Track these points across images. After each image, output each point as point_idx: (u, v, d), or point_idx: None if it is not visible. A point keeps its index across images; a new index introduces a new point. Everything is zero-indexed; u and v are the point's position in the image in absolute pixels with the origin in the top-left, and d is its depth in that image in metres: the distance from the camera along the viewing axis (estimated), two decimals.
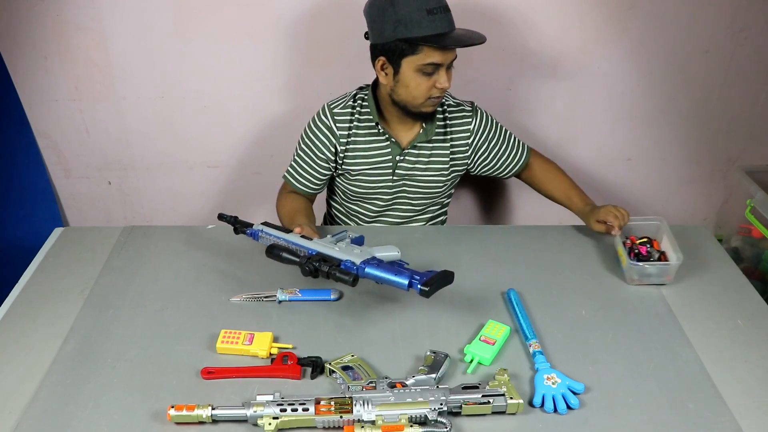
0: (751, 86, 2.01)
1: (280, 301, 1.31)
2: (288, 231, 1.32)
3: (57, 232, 1.55)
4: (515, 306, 1.27)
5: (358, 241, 1.34)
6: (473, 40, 1.35)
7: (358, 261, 1.20)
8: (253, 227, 1.35)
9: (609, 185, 2.23)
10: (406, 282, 1.14)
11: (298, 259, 1.23)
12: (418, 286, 1.13)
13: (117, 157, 2.11)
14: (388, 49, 1.36)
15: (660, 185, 2.24)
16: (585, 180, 2.21)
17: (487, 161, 1.61)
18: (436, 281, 1.14)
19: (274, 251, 1.26)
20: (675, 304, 1.30)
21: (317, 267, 1.19)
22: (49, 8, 1.80)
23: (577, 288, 1.35)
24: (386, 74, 1.41)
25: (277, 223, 1.45)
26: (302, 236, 1.29)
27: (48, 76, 1.93)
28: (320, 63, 1.87)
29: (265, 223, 1.35)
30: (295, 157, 1.56)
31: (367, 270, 1.19)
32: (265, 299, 1.31)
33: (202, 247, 1.48)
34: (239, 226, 1.37)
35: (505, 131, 1.62)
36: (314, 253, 1.25)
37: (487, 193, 2.25)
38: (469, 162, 1.61)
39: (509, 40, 1.89)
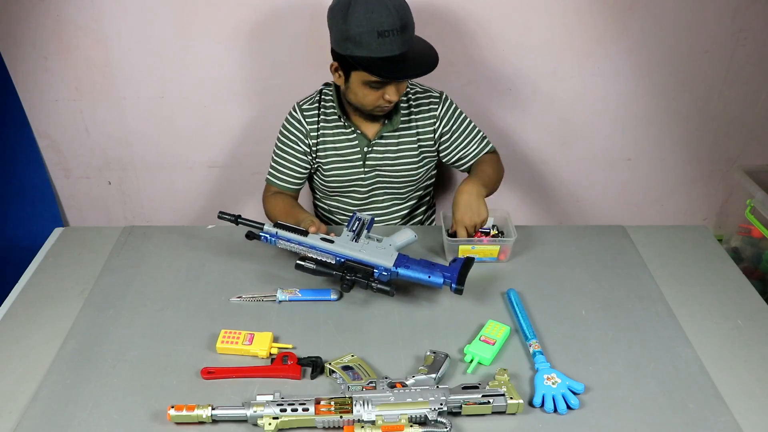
0: (751, 86, 2.01)
1: (280, 301, 1.31)
2: (302, 232, 1.30)
3: (57, 232, 1.55)
4: (515, 306, 1.27)
5: (369, 226, 1.35)
6: (417, 70, 1.34)
7: (389, 264, 1.24)
8: (264, 229, 1.31)
9: (609, 185, 2.23)
10: (440, 281, 1.23)
11: (333, 273, 1.26)
12: (454, 286, 1.22)
13: (117, 157, 2.11)
14: (340, 57, 1.38)
15: (660, 185, 2.24)
16: (586, 180, 2.22)
17: (449, 150, 1.60)
18: (465, 275, 1.23)
19: (305, 267, 1.26)
20: (675, 304, 1.30)
21: (355, 281, 1.25)
22: (49, 8, 1.80)
23: (577, 288, 1.35)
24: (339, 77, 1.43)
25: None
26: (322, 238, 1.29)
27: (48, 76, 1.93)
28: (320, 63, 1.86)
29: (278, 225, 1.32)
30: (274, 157, 1.59)
31: (401, 273, 1.25)
32: (265, 299, 1.31)
33: (202, 247, 1.48)
34: (245, 225, 1.33)
35: (470, 123, 1.60)
36: (343, 261, 1.26)
37: None
38: (434, 147, 1.60)
39: (509, 40, 1.89)
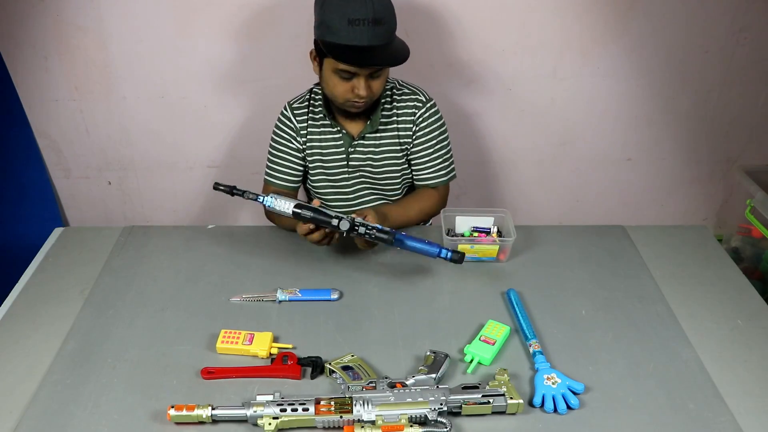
0: (751, 86, 2.01)
1: (280, 301, 1.31)
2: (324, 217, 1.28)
3: (57, 232, 1.55)
4: (515, 306, 1.27)
5: None
6: (382, 61, 1.34)
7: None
8: (260, 199, 1.26)
9: (609, 185, 2.23)
10: (437, 250, 1.27)
11: (333, 215, 1.26)
12: (450, 254, 1.26)
13: (117, 157, 2.11)
14: (315, 43, 1.40)
15: (660, 185, 2.24)
16: (585, 180, 2.22)
17: (410, 157, 1.58)
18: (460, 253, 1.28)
19: (302, 213, 1.25)
20: (675, 304, 1.30)
21: (356, 226, 1.26)
22: (49, 8, 1.80)
23: (577, 288, 1.35)
24: (315, 65, 1.44)
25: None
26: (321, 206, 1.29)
27: (48, 76, 1.93)
28: None
29: (299, 206, 1.28)
30: (269, 156, 1.59)
31: (399, 237, 1.27)
32: (265, 299, 1.31)
33: (202, 247, 1.48)
34: (241, 196, 1.27)
35: (443, 147, 1.57)
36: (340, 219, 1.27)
37: (487, 193, 2.25)
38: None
39: (509, 40, 1.89)
